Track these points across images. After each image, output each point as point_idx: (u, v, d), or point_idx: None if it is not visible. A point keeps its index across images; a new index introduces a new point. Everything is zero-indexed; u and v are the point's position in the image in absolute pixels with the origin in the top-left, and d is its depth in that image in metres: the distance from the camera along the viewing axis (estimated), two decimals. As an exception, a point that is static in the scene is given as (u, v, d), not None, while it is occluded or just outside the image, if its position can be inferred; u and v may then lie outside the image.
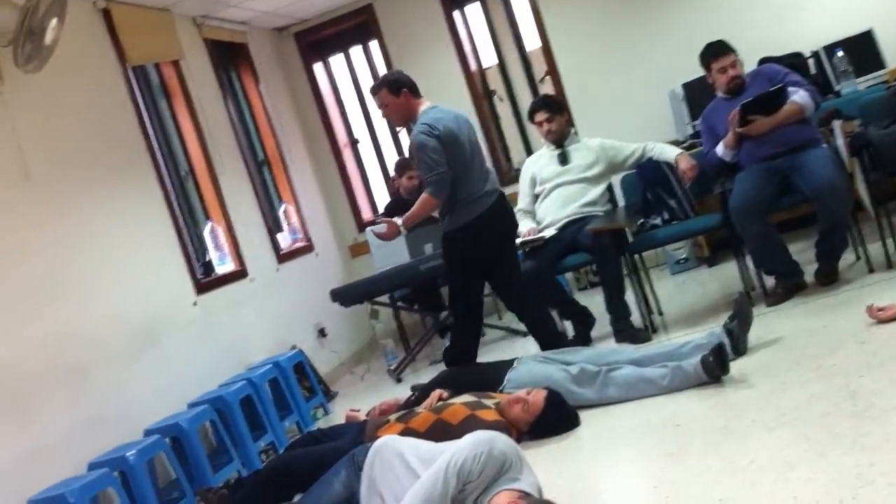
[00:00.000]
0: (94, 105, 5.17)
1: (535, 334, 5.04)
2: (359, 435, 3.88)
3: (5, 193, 4.30)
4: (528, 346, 5.75)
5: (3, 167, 4.33)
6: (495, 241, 4.86)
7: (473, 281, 4.94)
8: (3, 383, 3.95)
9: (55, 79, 4.74)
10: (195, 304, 5.54)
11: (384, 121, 7.65)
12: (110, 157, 5.16)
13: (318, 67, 8.13)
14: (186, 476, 4.41)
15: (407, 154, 4.89)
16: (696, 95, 6.33)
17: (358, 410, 4.65)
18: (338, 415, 5.56)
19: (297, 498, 3.68)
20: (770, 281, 4.88)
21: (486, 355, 5.83)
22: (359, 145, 8.25)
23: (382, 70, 7.93)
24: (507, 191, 6.96)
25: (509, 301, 5.19)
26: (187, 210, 6.11)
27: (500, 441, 2.82)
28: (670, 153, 5.16)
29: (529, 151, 7.62)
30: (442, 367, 5.61)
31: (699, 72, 5.17)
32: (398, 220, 4.74)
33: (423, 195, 4.70)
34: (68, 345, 4.39)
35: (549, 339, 4.85)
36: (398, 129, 5.01)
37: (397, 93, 4.80)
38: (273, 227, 6.89)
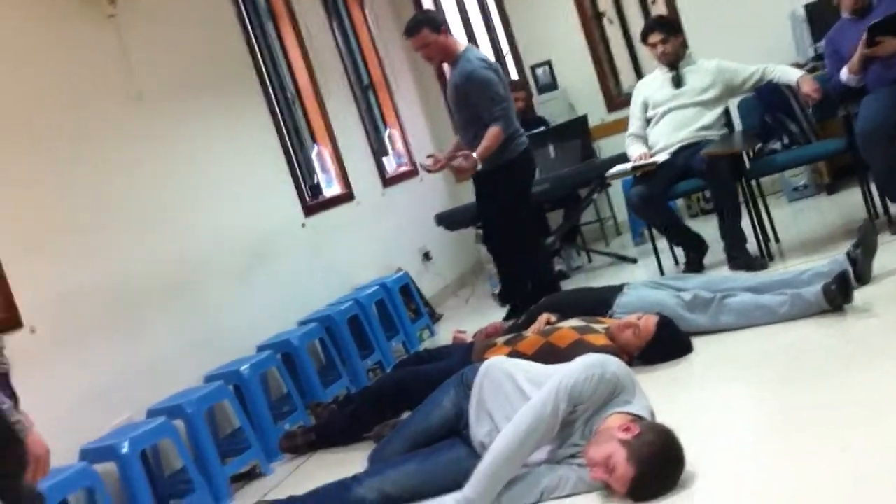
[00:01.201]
0: (203, 27, 5.21)
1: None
2: (466, 356, 3.89)
3: (119, 113, 4.39)
4: (636, 272, 5.67)
5: (117, 87, 4.42)
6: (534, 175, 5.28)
7: (530, 210, 5.16)
8: (121, 298, 4.09)
9: (165, 1, 4.78)
10: (304, 225, 5.62)
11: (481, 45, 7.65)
12: (219, 80, 5.21)
13: (423, -12, 8.01)
14: (297, 391, 4.52)
15: (459, 88, 4.95)
16: (818, 17, 6.02)
17: (464, 332, 4.67)
18: (443, 336, 5.61)
19: (405, 415, 3.73)
20: (896, 209, 4.66)
21: (593, 280, 5.79)
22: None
23: (488, -8, 7.78)
24: (618, 115, 6.90)
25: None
26: (295, 133, 6.15)
27: (613, 364, 2.78)
28: (792, 75, 4.91)
29: (640, 76, 7.38)
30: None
31: (823, -11, 4.89)
32: (474, 154, 4.80)
33: (495, 128, 4.82)
34: (181, 262, 4.51)
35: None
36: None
37: (438, 30, 4.95)
38: (378, 151, 6.89)
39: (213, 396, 4.03)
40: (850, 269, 3.75)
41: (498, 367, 3.09)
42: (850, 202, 5.33)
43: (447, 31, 4.99)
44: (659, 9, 7.28)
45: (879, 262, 3.92)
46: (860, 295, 3.68)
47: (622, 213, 7.04)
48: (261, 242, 5.16)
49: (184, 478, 3.72)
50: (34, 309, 3.61)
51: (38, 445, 2.01)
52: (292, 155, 5.75)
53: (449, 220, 6.37)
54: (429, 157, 5.29)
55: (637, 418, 2.65)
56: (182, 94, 4.85)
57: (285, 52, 6.24)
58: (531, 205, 5.21)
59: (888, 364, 2.98)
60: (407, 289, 5.91)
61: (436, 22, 4.96)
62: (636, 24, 7.38)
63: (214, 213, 4.85)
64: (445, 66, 5.86)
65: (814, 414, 2.80)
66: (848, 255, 3.86)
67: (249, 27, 5.72)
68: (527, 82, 7.44)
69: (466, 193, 6.97)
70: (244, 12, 5.69)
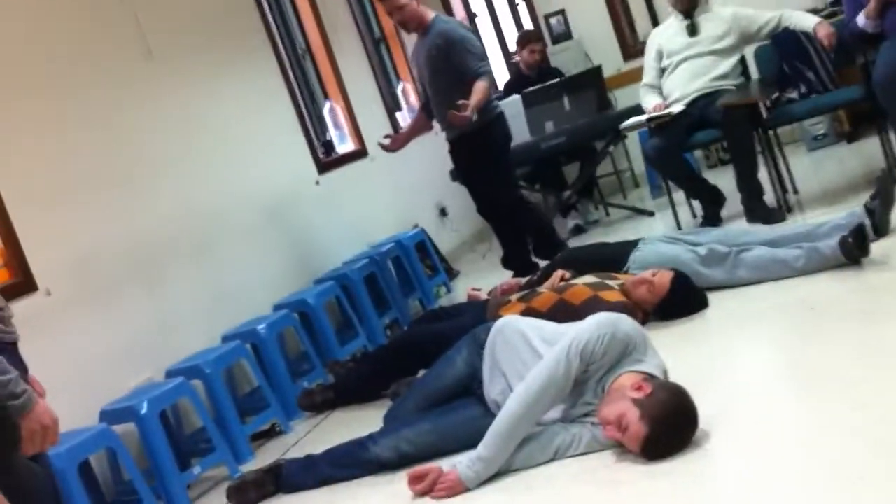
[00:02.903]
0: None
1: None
2: (481, 313, 3.89)
3: (130, 70, 4.38)
4: (654, 225, 5.64)
5: (126, 44, 4.41)
6: None
7: (514, 173, 5.19)
8: (137, 257, 4.12)
9: (175, -43, 4.77)
10: (317, 182, 5.61)
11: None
12: (228, 36, 5.18)
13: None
14: (315, 349, 4.54)
15: (447, 43, 4.78)
16: (841, -44, 5.87)
17: (479, 290, 4.67)
18: (460, 293, 5.60)
19: (420, 373, 3.75)
20: (917, 158, 4.59)
21: (610, 234, 5.77)
22: (476, 20, 8.05)
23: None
24: (634, 65, 6.80)
25: None
26: (306, 89, 6.12)
27: (625, 323, 2.77)
28: (808, 22, 4.82)
29: (656, 23, 7.26)
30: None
31: (845, -69, 4.76)
32: (476, 98, 4.62)
33: (483, 83, 4.73)
34: (195, 221, 4.53)
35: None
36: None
37: None
38: (392, 105, 6.84)
39: (231, 356, 4.06)
40: (868, 222, 3.70)
41: (510, 326, 3.08)
42: (870, 151, 5.25)
43: None
44: (676, -46, 7.12)
45: (897, 213, 3.87)
46: (878, 247, 3.63)
47: (639, 166, 6.98)
48: (274, 200, 5.17)
49: (204, 437, 3.76)
50: (49, 271, 3.63)
51: (44, 415, 2.00)
52: (304, 111, 5.73)
53: (465, 175, 6.33)
54: (386, 136, 5.27)
55: (649, 377, 2.64)
56: (191, 51, 4.82)
57: (295, 7, 6.18)
58: (513, 168, 5.16)
59: (905, 318, 2.96)
60: (423, 245, 5.91)
61: None
62: (653, -31, 7.26)
63: (227, 171, 4.86)
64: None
65: (828, 371, 2.78)
66: (865, 206, 3.81)
67: (258, -19, 5.65)
68: (541, 33, 7.33)
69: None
70: (253, -33, 5.62)
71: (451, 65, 4.78)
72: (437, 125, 5.37)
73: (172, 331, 4.16)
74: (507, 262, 5.24)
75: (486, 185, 5.04)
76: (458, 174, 5.24)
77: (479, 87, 4.67)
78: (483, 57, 4.86)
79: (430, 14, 4.93)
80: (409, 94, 7.14)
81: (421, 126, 5.36)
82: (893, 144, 4.72)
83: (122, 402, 3.57)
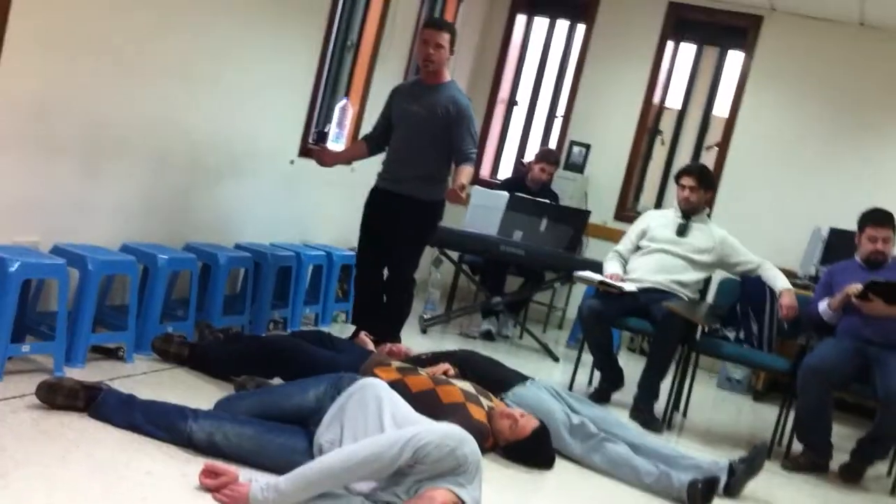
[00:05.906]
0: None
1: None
2: (358, 361, 3.91)
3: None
4: (552, 371, 5.73)
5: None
6: None
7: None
8: (94, 132, 4.11)
9: None
10: (292, 162, 5.64)
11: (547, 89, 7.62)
12: (291, 5, 5.26)
13: (520, 18, 8.07)
14: (198, 303, 4.51)
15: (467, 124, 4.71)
16: (838, 245, 6.12)
17: (371, 338, 4.68)
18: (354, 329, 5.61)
19: (275, 380, 3.76)
20: (798, 447, 4.74)
21: (512, 354, 5.85)
22: (514, 108, 8.21)
23: (576, 50, 7.82)
24: (618, 226, 6.96)
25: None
26: (333, 79, 6.16)
27: (469, 445, 2.81)
28: (779, 284, 5.04)
29: (658, 204, 7.51)
30: (465, 343, 5.64)
31: (852, 225, 5.00)
32: (464, 182, 4.53)
33: (471, 169, 4.70)
34: (170, 131, 4.55)
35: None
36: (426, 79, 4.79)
37: (453, 47, 4.78)
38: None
39: (119, 267, 4.02)
40: (724, 479, 3.82)
41: (373, 389, 3.12)
42: (766, 418, 5.43)
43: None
44: (709, 158, 7.38)
45: (755, 485, 3.99)
46: (720, 504, 3.75)
47: (572, 313, 7.11)
48: (246, 154, 5.19)
49: (49, 322, 3.70)
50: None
51: None
52: (318, 97, 5.77)
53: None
54: (321, 147, 5.23)
55: (460, 502, 2.69)
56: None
57: (368, 3, 6.24)
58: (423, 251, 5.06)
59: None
60: (348, 269, 5.92)
61: (456, 38, 4.81)
62: (683, 157, 7.50)
63: (221, 105, 4.89)
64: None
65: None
66: (731, 464, 3.93)
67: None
68: (559, 154, 7.46)
69: (450, 217, 7.00)
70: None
71: (447, 134, 4.70)
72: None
73: (86, 213, 4.13)
74: (357, 319, 5.06)
75: (398, 252, 4.89)
76: (370, 223, 4.99)
77: (468, 172, 4.65)
78: (477, 143, 4.81)
79: (448, 74, 4.87)
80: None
81: (359, 154, 5.18)
82: (787, 426, 4.88)
83: (-2, 250, 3.51)
